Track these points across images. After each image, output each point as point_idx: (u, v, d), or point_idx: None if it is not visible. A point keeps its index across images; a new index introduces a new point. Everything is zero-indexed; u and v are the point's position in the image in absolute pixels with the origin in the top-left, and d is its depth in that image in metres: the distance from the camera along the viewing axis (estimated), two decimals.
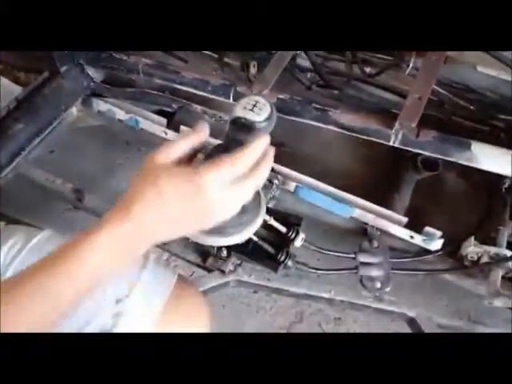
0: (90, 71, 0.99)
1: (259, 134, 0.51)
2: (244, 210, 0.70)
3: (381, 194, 0.94)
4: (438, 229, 0.87)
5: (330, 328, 1.01)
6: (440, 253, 0.86)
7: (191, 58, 1.02)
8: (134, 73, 0.94)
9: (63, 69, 0.96)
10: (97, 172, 1.04)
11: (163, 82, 0.91)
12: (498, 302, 0.78)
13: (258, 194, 0.73)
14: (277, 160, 0.94)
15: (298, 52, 0.90)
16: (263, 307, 1.02)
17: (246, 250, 0.75)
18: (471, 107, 0.92)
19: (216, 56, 1.02)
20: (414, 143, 0.75)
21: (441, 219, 0.91)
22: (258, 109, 0.50)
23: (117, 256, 0.44)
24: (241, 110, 0.50)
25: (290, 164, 0.94)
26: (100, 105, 1.02)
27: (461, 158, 0.72)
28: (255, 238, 0.73)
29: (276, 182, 0.90)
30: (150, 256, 0.72)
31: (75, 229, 0.93)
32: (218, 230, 0.68)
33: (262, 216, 0.72)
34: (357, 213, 0.88)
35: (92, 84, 1.01)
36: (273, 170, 0.93)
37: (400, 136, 0.75)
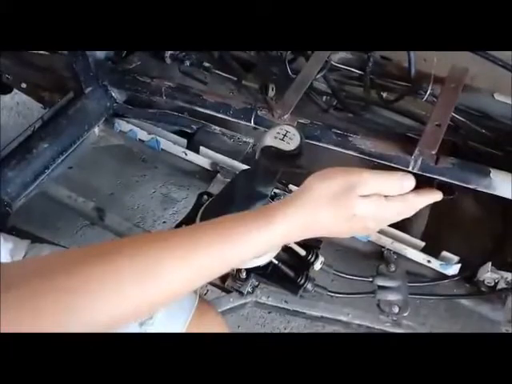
0: (114, 92, 1.01)
1: (289, 163, 0.52)
2: None
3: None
4: (455, 253, 0.88)
5: None
6: (457, 278, 0.86)
7: (209, 79, 1.05)
8: (156, 95, 0.96)
9: (88, 90, 0.99)
10: (114, 188, 1.06)
11: (185, 104, 0.94)
12: None
13: None
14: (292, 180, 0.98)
15: (317, 76, 0.92)
16: (277, 327, 1.02)
17: (266, 273, 0.76)
18: (488, 133, 0.93)
19: (235, 78, 1.04)
20: (432, 169, 0.76)
21: (457, 244, 0.92)
22: (288, 138, 0.52)
23: (282, 238, 0.46)
24: (272, 140, 0.52)
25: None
26: (122, 125, 1.04)
27: (479, 185, 0.73)
28: (275, 261, 0.74)
29: None
30: None
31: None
32: None
33: None
34: (374, 236, 0.89)
35: (115, 105, 1.03)
36: (290, 190, 0.94)
37: (419, 162, 0.77)
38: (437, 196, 0.52)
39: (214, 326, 0.71)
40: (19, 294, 0.34)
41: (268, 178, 0.58)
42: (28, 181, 0.92)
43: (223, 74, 1.04)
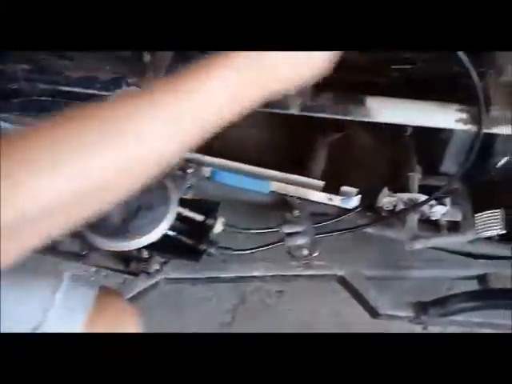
0: None
1: None
2: (151, 207, 0.68)
3: (297, 163, 0.95)
4: (355, 186, 0.89)
5: (273, 302, 1.02)
6: (359, 209, 0.88)
7: (76, 54, 0.95)
8: (14, 82, 0.86)
9: None
10: None
11: (47, 85, 0.85)
12: (418, 245, 0.82)
13: (165, 188, 0.70)
14: None
15: None
16: (204, 298, 1.01)
17: (165, 247, 0.73)
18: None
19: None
20: (312, 108, 0.75)
21: (356, 176, 0.94)
22: None
23: (238, 78, 0.39)
24: None
25: (204, 150, 0.92)
26: None
27: (358, 115, 0.74)
28: (171, 233, 0.71)
29: (189, 170, 0.88)
30: (65, 276, 0.69)
31: None
32: (126, 233, 0.66)
33: (174, 209, 0.70)
34: (275, 186, 0.88)
35: None
36: (185, 158, 0.90)
37: (298, 103, 0.75)
38: None
39: (117, 312, 0.67)
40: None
41: None
42: None
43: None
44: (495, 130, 0.70)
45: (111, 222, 0.64)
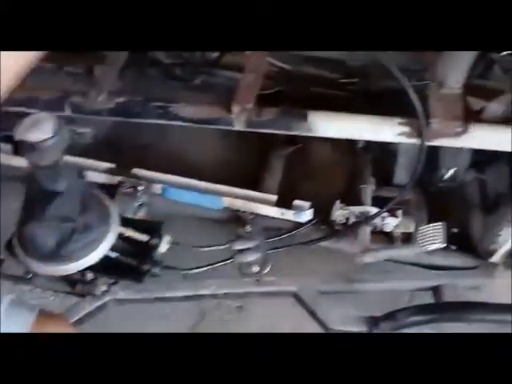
0: None
1: (48, 153, 0.47)
2: (89, 228, 0.67)
3: (252, 177, 0.94)
4: (311, 199, 0.89)
5: (233, 318, 1.01)
6: (313, 223, 0.87)
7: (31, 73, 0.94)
8: None
9: None
10: None
11: None
12: (369, 258, 0.82)
13: (105, 208, 0.69)
14: (140, 164, 0.92)
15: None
16: (162, 315, 0.99)
17: (107, 268, 0.71)
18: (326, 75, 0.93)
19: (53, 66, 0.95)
20: (257, 124, 0.75)
21: (312, 190, 0.93)
22: (38, 128, 0.46)
23: None
24: (21, 133, 0.46)
25: (156, 166, 0.91)
26: None
27: (300, 130, 0.73)
28: (113, 254, 0.70)
29: (140, 187, 0.87)
30: (3, 299, 0.67)
31: None
32: (60, 257, 0.64)
33: (115, 230, 0.69)
34: (227, 202, 0.87)
35: None
36: (136, 176, 0.89)
37: (243, 119, 0.74)
38: None
39: None
40: None
41: (43, 174, 0.52)
42: None
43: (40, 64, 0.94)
44: (436, 143, 0.70)
45: (45, 246, 0.63)
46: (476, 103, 0.75)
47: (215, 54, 0.95)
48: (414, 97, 0.65)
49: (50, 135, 0.46)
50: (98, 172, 0.88)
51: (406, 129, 0.71)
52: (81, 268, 0.66)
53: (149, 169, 0.89)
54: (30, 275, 0.77)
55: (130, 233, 0.72)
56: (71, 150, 0.93)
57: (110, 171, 0.88)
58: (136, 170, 0.88)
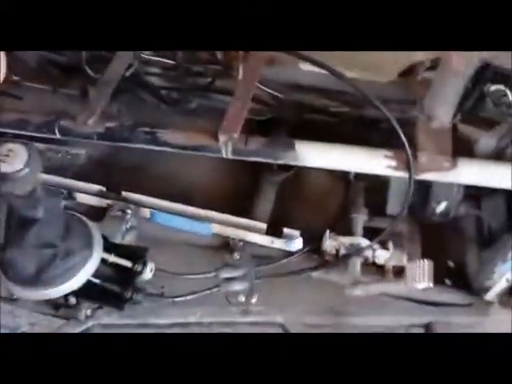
0: None
1: (21, 183, 0.47)
2: (71, 253, 0.67)
3: (243, 203, 0.93)
4: (303, 228, 0.87)
5: None
6: (304, 251, 0.86)
7: (25, 92, 0.96)
8: None
9: None
10: None
11: None
12: (359, 291, 0.79)
13: (88, 234, 0.69)
14: (131, 187, 0.92)
15: (127, 73, 0.86)
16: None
17: (90, 294, 0.71)
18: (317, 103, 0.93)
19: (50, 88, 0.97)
20: (244, 152, 0.74)
21: (304, 218, 0.92)
22: (10, 158, 0.46)
23: None
24: None
25: (147, 189, 0.91)
26: None
27: (287, 159, 0.72)
28: (95, 280, 0.70)
29: (129, 211, 0.87)
30: None
31: None
32: (39, 282, 0.64)
33: (98, 256, 0.69)
34: (216, 228, 0.87)
35: None
36: (125, 199, 0.89)
37: (230, 147, 0.74)
38: None
39: None
40: None
41: (19, 202, 0.53)
42: None
43: (36, 86, 0.96)
44: (424, 177, 0.69)
45: (25, 271, 0.63)
46: (471, 132, 0.73)
47: (208, 79, 0.96)
48: (398, 129, 0.64)
49: (22, 167, 0.46)
50: (88, 194, 0.88)
51: (393, 162, 0.70)
52: (61, 293, 0.66)
53: (139, 191, 0.89)
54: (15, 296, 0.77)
55: (113, 258, 0.72)
56: (64, 171, 0.96)
57: (99, 193, 0.89)
58: (125, 194, 0.89)
